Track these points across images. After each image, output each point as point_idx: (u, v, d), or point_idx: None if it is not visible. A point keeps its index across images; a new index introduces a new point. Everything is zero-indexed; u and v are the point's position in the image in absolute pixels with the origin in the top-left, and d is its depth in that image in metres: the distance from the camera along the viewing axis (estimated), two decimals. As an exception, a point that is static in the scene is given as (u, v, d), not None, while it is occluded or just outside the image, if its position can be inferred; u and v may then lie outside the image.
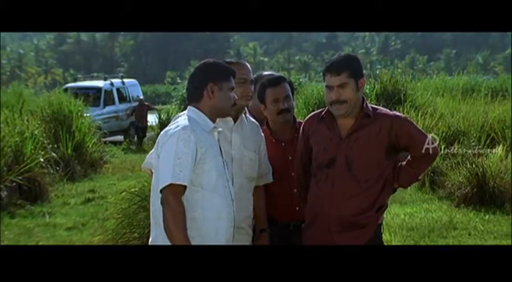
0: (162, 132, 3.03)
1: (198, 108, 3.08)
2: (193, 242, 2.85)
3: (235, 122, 3.52)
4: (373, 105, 3.46)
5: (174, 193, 2.84)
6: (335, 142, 3.36)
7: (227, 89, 3.10)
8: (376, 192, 3.33)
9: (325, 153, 3.38)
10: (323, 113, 3.47)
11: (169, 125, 3.06)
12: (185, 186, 2.87)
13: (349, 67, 3.31)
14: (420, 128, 3.52)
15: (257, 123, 3.71)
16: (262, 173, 3.63)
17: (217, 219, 2.99)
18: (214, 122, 3.11)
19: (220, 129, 3.18)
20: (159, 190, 2.88)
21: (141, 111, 19.31)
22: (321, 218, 3.36)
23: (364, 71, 3.43)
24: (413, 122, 3.49)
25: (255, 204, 3.57)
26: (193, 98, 3.11)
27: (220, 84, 3.07)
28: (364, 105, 3.37)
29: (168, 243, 2.85)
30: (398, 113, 3.46)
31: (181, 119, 3.04)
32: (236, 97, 3.17)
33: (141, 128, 19.32)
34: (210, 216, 2.97)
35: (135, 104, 19.93)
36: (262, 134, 3.70)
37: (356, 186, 3.31)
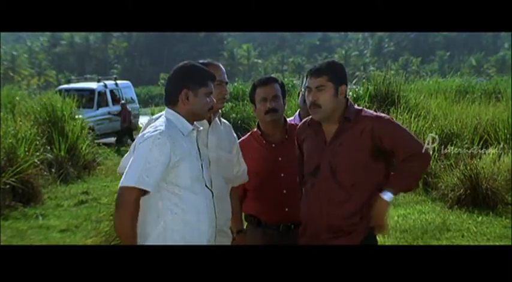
0: (139, 135, 3.00)
1: (175, 111, 3.03)
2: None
3: (210, 124, 3.49)
4: (358, 108, 3.37)
5: (134, 195, 2.82)
6: (320, 148, 3.31)
7: (203, 95, 3.01)
8: (365, 195, 3.22)
9: (311, 160, 3.34)
10: (310, 118, 3.41)
11: (149, 126, 3.01)
12: (145, 191, 2.85)
13: (329, 71, 3.27)
14: (407, 129, 3.39)
15: (229, 123, 3.70)
16: (238, 173, 3.62)
17: (198, 220, 2.96)
18: (192, 124, 3.04)
19: (201, 128, 3.12)
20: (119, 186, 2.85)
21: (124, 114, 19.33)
22: (312, 227, 3.32)
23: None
24: (398, 124, 3.35)
25: (231, 205, 3.54)
26: (169, 101, 3.05)
27: (195, 90, 2.99)
28: (346, 108, 3.30)
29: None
30: (381, 114, 3.36)
31: (159, 122, 2.99)
32: (214, 101, 3.11)
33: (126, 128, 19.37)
34: (190, 218, 2.94)
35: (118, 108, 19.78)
36: (235, 135, 3.68)
37: (342, 191, 3.23)
